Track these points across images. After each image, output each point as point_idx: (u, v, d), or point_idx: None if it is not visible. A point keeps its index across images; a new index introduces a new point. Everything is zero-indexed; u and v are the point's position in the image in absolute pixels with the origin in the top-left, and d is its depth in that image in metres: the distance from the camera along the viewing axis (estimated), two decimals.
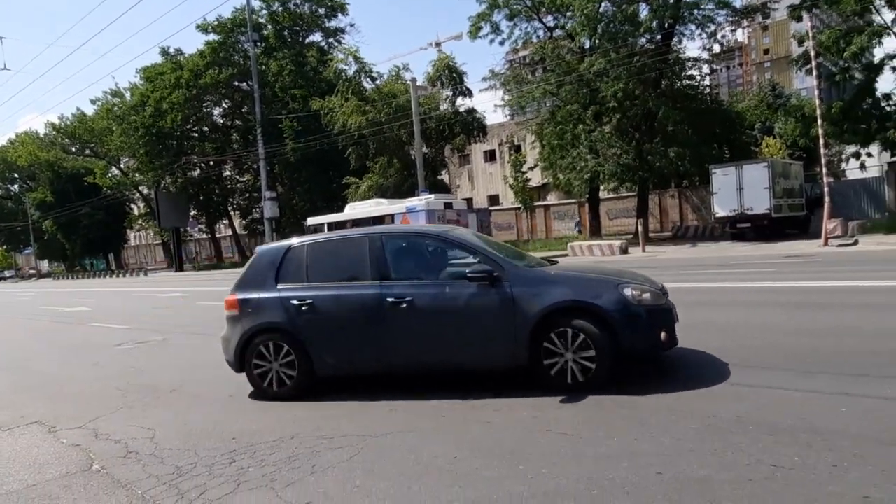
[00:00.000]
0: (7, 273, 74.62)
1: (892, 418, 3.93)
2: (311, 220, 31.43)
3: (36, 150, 64.04)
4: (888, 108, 21.99)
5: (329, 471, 3.81)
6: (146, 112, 45.46)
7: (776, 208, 23.56)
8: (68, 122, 64.10)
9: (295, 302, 5.60)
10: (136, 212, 65.57)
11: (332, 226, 29.14)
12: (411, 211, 25.63)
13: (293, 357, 5.60)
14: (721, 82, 78.12)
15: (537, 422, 4.40)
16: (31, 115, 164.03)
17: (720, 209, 24.83)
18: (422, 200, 26.39)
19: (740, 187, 24.00)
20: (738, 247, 22.83)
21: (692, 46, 73.92)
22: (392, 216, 26.37)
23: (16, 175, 74.44)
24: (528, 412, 4.63)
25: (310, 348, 5.55)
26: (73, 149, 66.32)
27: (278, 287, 5.76)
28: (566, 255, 25.43)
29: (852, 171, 35.53)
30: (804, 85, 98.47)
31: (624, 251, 23.62)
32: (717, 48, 29.71)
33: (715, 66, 33.73)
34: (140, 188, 59.78)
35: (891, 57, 22.00)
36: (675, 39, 28.81)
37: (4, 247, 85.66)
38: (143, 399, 6.13)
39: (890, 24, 21.33)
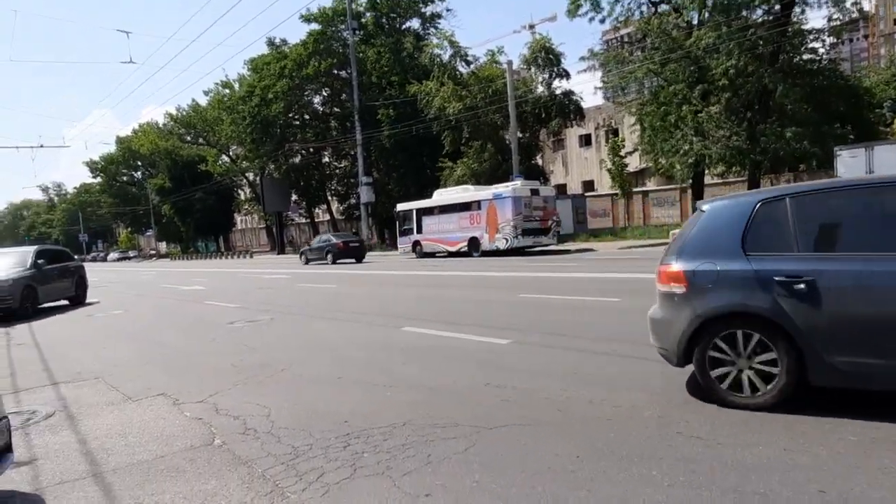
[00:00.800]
0: (131, 253, 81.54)
1: None
2: (400, 207, 32.25)
3: (156, 139, 69.42)
4: None
5: (444, 462, 3.67)
6: (253, 102, 47.76)
7: None
8: (184, 113, 68.78)
9: (781, 278, 4.04)
10: (242, 197, 69.43)
11: (421, 212, 30.06)
12: (498, 197, 25.74)
13: (775, 355, 4.09)
14: (844, 56, 71.25)
15: (662, 422, 4.05)
16: (152, 106, 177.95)
17: None
18: (508, 187, 26.35)
19: (870, 171, 21.71)
20: None
21: (814, 17, 67.72)
22: (479, 202, 26.65)
23: (139, 163, 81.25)
24: (652, 411, 4.28)
25: (804, 345, 3.97)
26: (188, 138, 71.13)
27: (748, 256, 4.25)
28: (668, 244, 24.17)
29: None
30: None
31: None
32: (846, 16, 26.88)
33: (842, 39, 30.55)
34: (247, 174, 63.20)
35: None
36: (797, 9, 26.41)
37: (129, 229, 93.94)
38: (257, 376, 6.30)
39: None
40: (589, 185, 49.46)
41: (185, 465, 3.94)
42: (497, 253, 25.94)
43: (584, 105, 37.59)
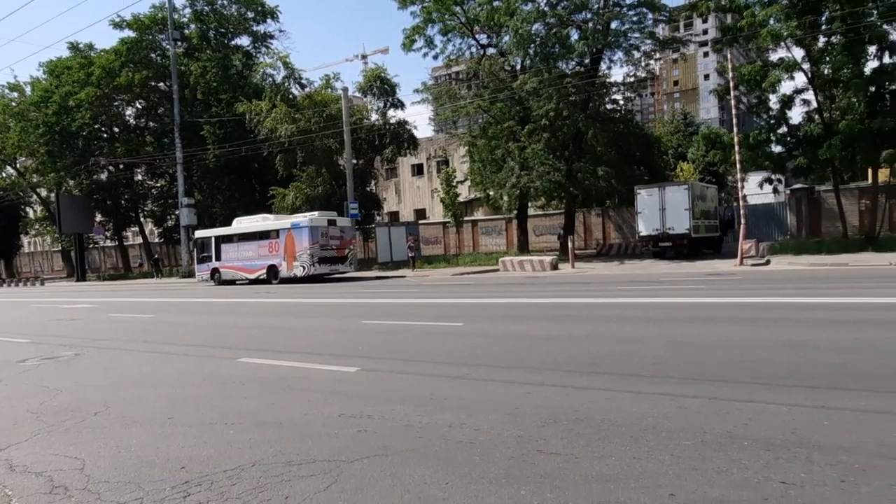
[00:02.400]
0: None
1: (878, 431, 3.96)
2: (198, 234, 32.72)
3: None
4: (799, 135, 23.85)
5: (306, 502, 3.36)
6: (49, 109, 42.14)
7: (695, 229, 24.81)
8: None
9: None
10: (32, 215, 60.40)
11: (220, 239, 30.49)
12: (295, 227, 27.07)
13: None
14: (636, 109, 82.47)
15: (522, 441, 4.14)
16: None
17: (644, 228, 25.85)
18: (306, 217, 27.64)
19: (662, 208, 25.11)
20: (660, 264, 23.79)
21: (616, 73, 77.61)
22: (278, 231, 27.80)
23: None
24: (512, 431, 4.35)
25: None
26: None
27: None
28: (497, 270, 25.60)
29: (752, 196, 38.23)
30: (709, 115, 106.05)
31: (554, 267, 24.03)
32: (641, 73, 31.17)
33: (639, 92, 35.33)
34: (38, 190, 55.18)
35: (799, 91, 23.88)
36: (603, 64, 29.99)
37: None
38: (63, 423, 5.34)
39: (800, 61, 23.13)
40: (421, 213, 50.84)
41: None
42: (295, 280, 26.95)
43: (418, 135, 38.74)
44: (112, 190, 47.35)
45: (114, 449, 4.55)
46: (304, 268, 26.44)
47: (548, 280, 20.11)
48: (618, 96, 31.98)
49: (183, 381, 7.01)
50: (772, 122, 24.48)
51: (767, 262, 20.82)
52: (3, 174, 57.06)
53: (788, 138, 24.69)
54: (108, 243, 56.41)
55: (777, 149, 25.43)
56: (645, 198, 25.75)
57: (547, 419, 4.58)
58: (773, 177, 25.78)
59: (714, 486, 3.25)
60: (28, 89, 49.52)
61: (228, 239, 30.22)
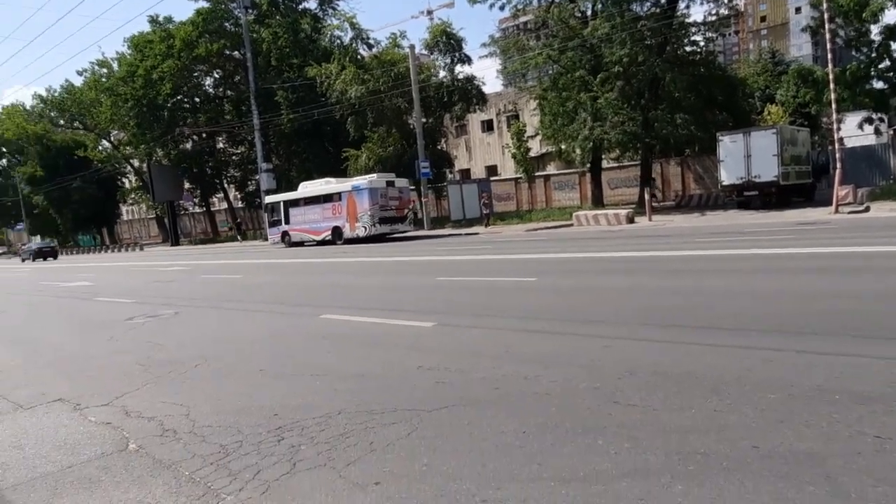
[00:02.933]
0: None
1: None
2: (268, 199, 34.48)
3: (23, 122, 62.48)
4: None
5: (389, 449, 3.54)
6: (136, 83, 44.35)
7: (784, 176, 23.29)
8: (56, 94, 62.51)
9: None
10: (128, 185, 64.54)
11: (288, 204, 31.91)
12: (356, 189, 27.88)
13: None
14: (718, 50, 77.06)
15: (599, 393, 4.15)
16: (16, 86, 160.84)
17: (727, 177, 24.53)
18: (365, 179, 28.34)
19: (748, 154, 23.66)
20: (745, 215, 22.59)
21: (696, 11, 73.01)
22: (339, 194, 28.78)
23: (3, 149, 72.95)
24: (588, 383, 4.37)
25: None
26: (62, 122, 64.79)
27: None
28: (571, 225, 25.17)
29: (850, 139, 35.33)
30: (801, 52, 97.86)
31: (630, 220, 23.35)
32: (724, 10, 29.05)
33: (722, 32, 32.97)
34: (132, 161, 58.76)
35: None
36: (682, 3, 28.18)
37: None
38: (169, 374, 5.83)
39: None
40: (492, 170, 50.37)
41: (99, 475, 3.54)
42: (358, 240, 27.82)
43: (486, 90, 38.11)
44: (197, 158, 49.75)
45: (213, 397, 4.93)
46: (365, 228, 27.35)
47: (624, 234, 19.59)
48: (698, 37, 29.94)
49: (271, 336, 7.44)
50: (873, 55, 22.26)
51: (867, 209, 19.34)
52: (99, 147, 60.88)
53: (892, 73, 22.41)
54: (197, 209, 59.65)
55: (879, 85, 23.19)
56: (728, 145, 24.31)
57: (624, 372, 4.55)
58: (874, 116, 23.65)
59: (802, 440, 3.15)
60: (115, 65, 52.28)
61: (295, 203, 31.44)
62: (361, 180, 28.39)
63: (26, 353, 7.77)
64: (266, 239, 35.30)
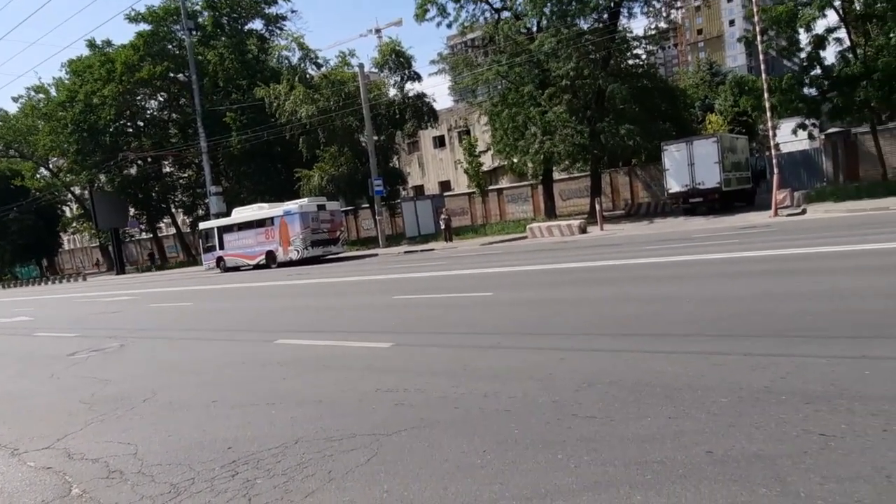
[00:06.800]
0: None
1: None
2: (202, 226, 35.03)
3: None
4: (833, 76, 22.91)
5: (349, 477, 3.46)
6: (75, 108, 42.87)
7: (726, 182, 24.21)
8: None
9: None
10: (69, 214, 62.07)
11: (222, 230, 32.29)
12: (287, 214, 28.54)
13: None
14: (659, 62, 79.96)
15: (557, 406, 4.17)
16: None
17: (673, 185, 25.32)
18: (296, 204, 29.00)
19: (691, 163, 24.51)
20: (692, 221, 23.34)
21: (636, 26, 75.25)
22: (272, 219, 29.35)
23: None
24: (547, 397, 4.39)
25: None
26: None
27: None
28: (526, 237, 25.48)
29: (785, 144, 37.07)
30: (736, 63, 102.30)
31: (583, 230, 23.80)
32: (662, 24, 30.16)
33: (661, 45, 34.20)
34: (72, 189, 56.58)
35: (832, 29, 22.83)
36: (623, 18, 29.15)
37: None
38: (115, 411, 5.57)
39: None
40: (445, 185, 50.64)
41: None
42: (291, 263, 28.32)
43: (437, 107, 38.37)
44: (142, 183, 48.24)
45: (163, 433, 4.73)
46: (298, 251, 27.92)
47: (577, 244, 19.94)
48: (639, 50, 30.99)
49: (224, 364, 7.22)
50: (804, 64, 23.50)
51: (804, 212, 20.26)
52: (38, 175, 58.47)
53: (822, 80, 23.70)
54: (144, 235, 57.77)
55: (811, 92, 24.47)
56: (673, 153, 25.15)
57: (581, 384, 4.60)
58: (807, 121, 24.86)
59: (752, 442, 3.23)
60: (53, 90, 50.43)
61: (229, 229, 31.86)
62: (293, 205, 28.98)
63: None
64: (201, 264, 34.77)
